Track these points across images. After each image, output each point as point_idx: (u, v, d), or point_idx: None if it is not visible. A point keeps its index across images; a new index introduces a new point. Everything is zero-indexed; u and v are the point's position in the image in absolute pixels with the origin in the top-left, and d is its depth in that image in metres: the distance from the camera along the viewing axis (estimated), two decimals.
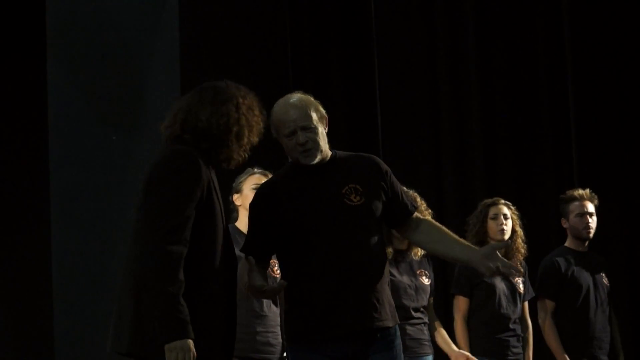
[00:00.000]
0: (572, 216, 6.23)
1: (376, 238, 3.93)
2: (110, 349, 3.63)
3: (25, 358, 7.60)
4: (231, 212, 5.11)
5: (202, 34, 6.13)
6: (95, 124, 5.82)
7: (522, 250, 6.08)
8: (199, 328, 3.45)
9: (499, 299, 5.96)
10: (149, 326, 3.44)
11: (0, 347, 7.69)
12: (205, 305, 3.52)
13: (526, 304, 6.13)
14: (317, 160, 3.91)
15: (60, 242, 5.84)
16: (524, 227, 6.15)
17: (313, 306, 3.84)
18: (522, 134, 7.74)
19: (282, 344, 5.04)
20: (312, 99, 3.97)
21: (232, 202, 5.13)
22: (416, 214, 4.15)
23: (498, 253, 3.98)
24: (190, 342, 3.40)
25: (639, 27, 7.63)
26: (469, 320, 6.00)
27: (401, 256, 5.58)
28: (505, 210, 6.08)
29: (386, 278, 3.99)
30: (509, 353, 5.95)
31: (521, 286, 6.08)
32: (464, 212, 6.88)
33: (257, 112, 3.73)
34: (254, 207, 3.98)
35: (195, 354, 3.42)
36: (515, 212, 6.13)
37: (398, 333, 4.01)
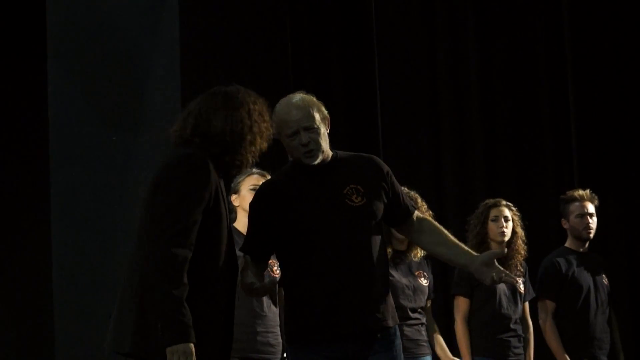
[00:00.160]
0: (572, 217, 6.23)
1: (377, 238, 3.93)
2: (110, 348, 3.63)
3: (26, 358, 7.60)
4: (229, 212, 5.11)
5: (202, 34, 6.13)
6: (95, 124, 5.82)
7: (522, 252, 6.07)
8: (199, 331, 3.45)
9: (500, 299, 5.95)
10: (151, 327, 3.44)
11: (0, 347, 7.69)
12: (207, 309, 3.52)
13: (527, 304, 6.12)
14: (318, 160, 3.91)
15: (60, 242, 5.84)
16: (525, 227, 6.14)
17: (314, 306, 3.83)
18: (522, 134, 7.74)
19: (282, 344, 5.04)
20: (314, 99, 3.97)
21: (230, 202, 5.13)
22: (417, 213, 4.16)
23: (496, 261, 3.98)
24: (192, 345, 3.41)
25: (639, 27, 7.64)
26: (469, 321, 5.99)
27: (400, 257, 5.57)
28: (507, 212, 6.08)
29: (387, 278, 3.99)
30: (510, 353, 5.95)
31: (522, 286, 6.08)
32: (464, 212, 6.87)
33: (267, 118, 3.73)
34: (254, 207, 3.97)
35: (195, 358, 3.42)
36: (517, 213, 6.12)
37: (398, 333, 4.01)
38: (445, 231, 4.11)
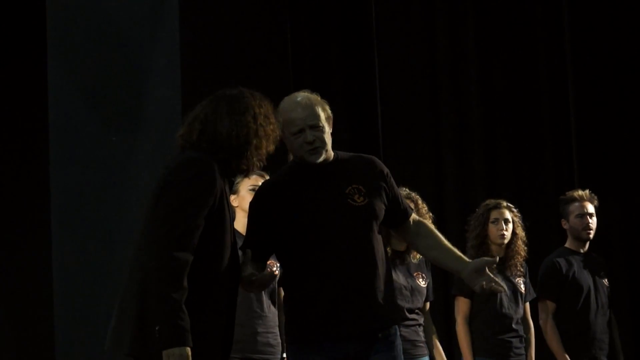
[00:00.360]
0: (572, 217, 6.23)
1: (379, 238, 3.94)
2: (109, 348, 3.63)
3: (26, 358, 7.60)
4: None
5: (202, 34, 6.12)
6: (95, 125, 5.81)
7: (522, 253, 6.08)
8: (199, 335, 3.45)
9: (501, 299, 5.95)
10: (150, 330, 3.44)
11: (0, 348, 7.69)
12: (208, 312, 3.52)
13: (527, 305, 6.13)
14: (322, 158, 3.91)
15: (60, 243, 5.84)
16: (525, 228, 6.14)
17: (315, 306, 3.83)
18: (523, 134, 7.75)
19: (282, 344, 5.05)
20: (319, 97, 3.97)
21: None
22: (414, 215, 4.16)
23: (487, 270, 3.97)
24: (188, 350, 3.41)
25: (639, 28, 7.64)
26: (471, 322, 5.99)
27: (399, 257, 5.57)
28: (507, 214, 6.08)
29: (390, 278, 4.00)
30: (512, 354, 5.95)
31: (522, 286, 6.08)
32: (464, 212, 6.88)
33: (272, 120, 3.72)
34: (255, 207, 3.97)
35: None
36: (517, 215, 6.12)
37: (398, 333, 4.01)
38: (441, 236, 4.12)
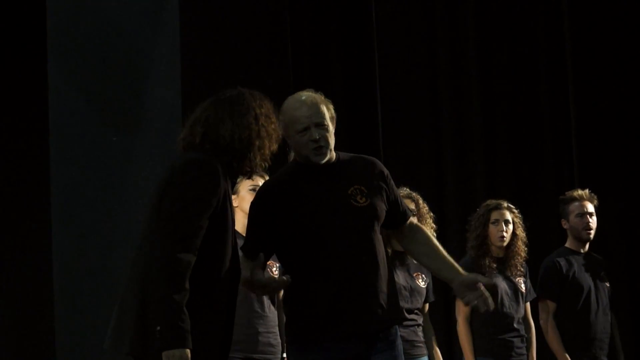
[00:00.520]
0: (572, 217, 6.23)
1: (380, 239, 3.94)
2: (109, 347, 3.62)
3: (26, 358, 7.60)
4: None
5: (202, 34, 6.13)
6: (95, 125, 5.81)
7: (523, 253, 6.08)
8: (198, 336, 3.45)
9: (501, 298, 5.96)
10: (151, 330, 3.44)
11: (0, 347, 7.69)
12: (208, 313, 3.52)
13: (528, 304, 6.13)
14: (326, 159, 3.91)
15: (60, 243, 5.84)
16: (526, 229, 6.14)
17: (316, 306, 3.82)
18: (523, 134, 7.75)
19: (282, 344, 5.05)
20: (323, 97, 3.97)
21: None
22: (413, 219, 4.14)
23: (478, 285, 3.93)
24: (188, 351, 3.40)
25: (639, 28, 7.64)
26: (471, 322, 5.99)
27: (399, 258, 5.58)
28: (508, 215, 6.08)
29: (392, 278, 3.99)
30: (513, 354, 5.96)
31: (523, 286, 6.08)
32: (464, 212, 6.88)
33: (274, 119, 3.72)
34: (257, 207, 3.96)
35: None
36: (518, 215, 6.12)
37: (399, 333, 4.01)
38: (437, 243, 4.09)
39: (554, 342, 6.08)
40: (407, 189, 5.64)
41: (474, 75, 7.81)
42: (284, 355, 5.02)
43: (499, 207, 6.11)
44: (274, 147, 3.73)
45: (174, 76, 5.75)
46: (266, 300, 5.01)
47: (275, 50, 6.90)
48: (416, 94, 7.87)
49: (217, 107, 3.68)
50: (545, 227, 7.30)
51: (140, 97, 5.80)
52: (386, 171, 4.06)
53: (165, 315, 3.40)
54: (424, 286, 5.65)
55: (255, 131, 3.65)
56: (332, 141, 3.92)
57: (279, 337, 5.07)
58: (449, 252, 4.12)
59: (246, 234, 4.01)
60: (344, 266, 3.83)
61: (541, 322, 6.14)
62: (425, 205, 5.65)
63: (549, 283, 6.15)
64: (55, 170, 5.88)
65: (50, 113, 5.92)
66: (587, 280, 6.16)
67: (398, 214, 4.06)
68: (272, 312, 5.05)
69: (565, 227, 6.29)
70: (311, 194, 3.89)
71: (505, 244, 6.03)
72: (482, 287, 3.90)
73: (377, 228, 3.94)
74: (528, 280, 6.14)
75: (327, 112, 3.92)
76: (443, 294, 6.94)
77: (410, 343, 5.49)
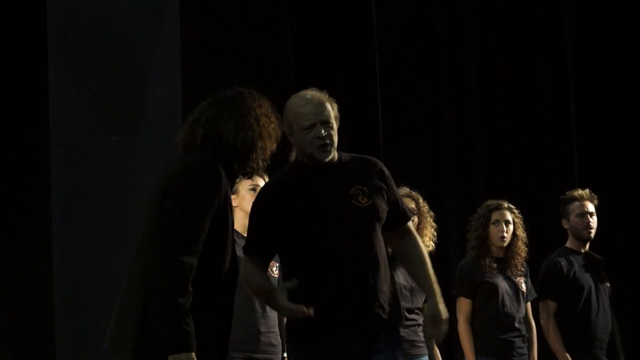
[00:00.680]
0: (572, 216, 6.23)
1: (381, 239, 3.94)
2: (109, 348, 3.61)
3: (26, 358, 7.60)
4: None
5: (203, 34, 6.13)
6: (96, 125, 5.81)
7: (523, 254, 6.08)
8: (200, 338, 3.44)
9: (502, 298, 5.96)
10: (153, 332, 3.43)
11: (1, 347, 7.69)
12: (208, 315, 3.50)
13: (529, 304, 6.13)
14: (330, 157, 3.92)
15: (61, 243, 5.83)
16: (526, 229, 6.14)
17: (318, 306, 3.81)
18: (523, 134, 7.75)
19: (282, 344, 5.05)
20: (328, 96, 3.98)
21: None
22: (409, 225, 4.13)
23: (439, 321, 3.93)
24: (194, 355, 3.39)
25: (639, 28, 7.64)
26: (473, 322, 5.99)
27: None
28: (508, 216, 6.08)
29: (391, 280, 3.99)
30: (514, 354, 5.95)
31: (523, 285, 6.08)
32: (464, 212, 6.89)
33: (273, 119, 3.71)
34: (259, 207, 3.95)
35: None
36: (519, 216, 6.12)
37: (399, 333, 4.02)
38: (423, 257, 4.07)
39: (555, 342, 6.08)
40: (407, 188, 5.64)
41: (474, 75, 7.81)
42: (285, 355, 5.02)
43: (499, 208, 6.11)
44: (274, 147, 3.72)
45: (174, 76, 5.75)
46: None
47: (275, 50, 6.91)
48: (416, 94, 7.87)
49: (217, 107, 3.67)
50: (546, 227, 7.30)
51: (141, 97, 5.79)
52: (387, 172, 4.06)
53: (170, 319, 3.38)
54: None
55: (257, 132, 3.64)
56: (336, 140, 3.92)
57: (279, 337, 5.06)
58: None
59: (248, 234, 4.00)
60: (345, 266, 3.83)
61: (542, 322, 6.14)
62: (425, 204, 5.65)
63: (550, 283, 6.15)
64: (55, 170, 5.88)
65: (51, 113, 5.92)
66: (587, 280, 6.16)
67: (398, 215, 4.06)
68: (272, 312, 5.04)
69: (565, 227, 6.29)
70: (313, 194, 3.89)
71: (505, 244, 6.03)
72: (444, 324, 3.93)
73: (379, 228, 3.94)
74: (529, 280, 6.14)
75: (332, 111, 3.93)
76: (443, 294, 6.92)
77: (410, 343, 5.48)
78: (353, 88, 7.77)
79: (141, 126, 5.73)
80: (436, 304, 3.97)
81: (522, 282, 6.08)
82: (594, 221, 6.22)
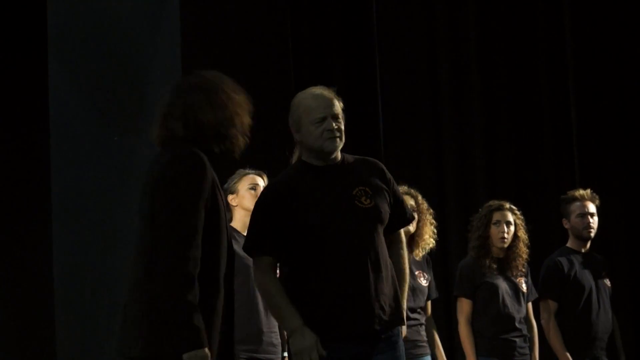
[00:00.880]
0: (573, 216, 6.23)
1: (383, 240, 3.95)
2: (117, 353, 3.58)
3: (26, 358, 7.60)
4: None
5: (203, 34, 6.13)
6: (96, 125, 5.82)
7: (524, 255, 6.07)
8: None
9: (503, 298, 5.95)
10: (161, 331, 3.39)
11: (0, 347, 7.69)
12: (206, 312, 3.48)
13: (530, 304, 6.12)
14: (337, 150, 3.95)
15: (61, 243, 5.84)
16: (528, 230, 6.14)
17: (319, 307, 3.82)
18: (524, 134, 7.74)
19: (282, 343, 5.05)
20: (335, 93, 4.04)
21: (227, 203, 5.11)
22: (401, 234, 4.14)
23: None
24: (207, 350, 3.36)
25: (639, 27, 7.64)
26: (474, 322, 5.99)
27: None
28: (509, 216, 6.07)
29: (393, 280, 3.99)
30: (516, 354, 5.95)
31: (524, 285, 6.08)
32: (464, 212, 6.88)
33: (237, 90, 3.66)
34: (264, 207, 3.95)
35: None
36: (520, 217, 6.12)
37: (401, 333, 4.02)
38: (403, 274, 4.08)
39: (555, 341, 6.07)
40: (406, 186, 5.63)
41: (475, 75, 7.80)
42: (285, 354, 5.02)
43: (501, 208, 6.10)
44: (249, 119, 3.65)
45: (175, 76, 5.76)
46: None
47: (275, 50, 6.90)
48: (416, 94, 7.87)
49: (187, 96, 3.62)
50: (547, 226, 7.29)
51: (141, 97, 5.80)
52: (389, 174, 4.08)
53: (181, 316, 3.34)
54: (426, 285, 5.64)
55: (232, 108, 3.61)
56: (344, 136, 3.97)
57: (279, 337, 5.07)
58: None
59: (251, 234, 3.98)
60: (347, 267, 3.83)
61: (542, 321, 6.13)
62: (424, 201, 5.65)
63: (550, 283, 6.14)
64: (55, 170, 5.89)
65: (51, 113, 5.93)
66: (588, 279, 6.16)
67: (399, 217, 4.07)
68: None
69: (566, 226, 6.29)
70: (316, 194, 3.90)
71: (506, 245, 6.03)
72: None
73: (381, 230, 3.94)
74: (529, 280, 6.13)
75: (340, 108, 4.00)
76: (444, 294, 6.93)
77: (413, 343, 5.47)
78: (353, 87, 7.76)
79: (142, 126, 5.73)
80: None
81: (523, 282, 6.08)
82: (594, 221, 6.22)
